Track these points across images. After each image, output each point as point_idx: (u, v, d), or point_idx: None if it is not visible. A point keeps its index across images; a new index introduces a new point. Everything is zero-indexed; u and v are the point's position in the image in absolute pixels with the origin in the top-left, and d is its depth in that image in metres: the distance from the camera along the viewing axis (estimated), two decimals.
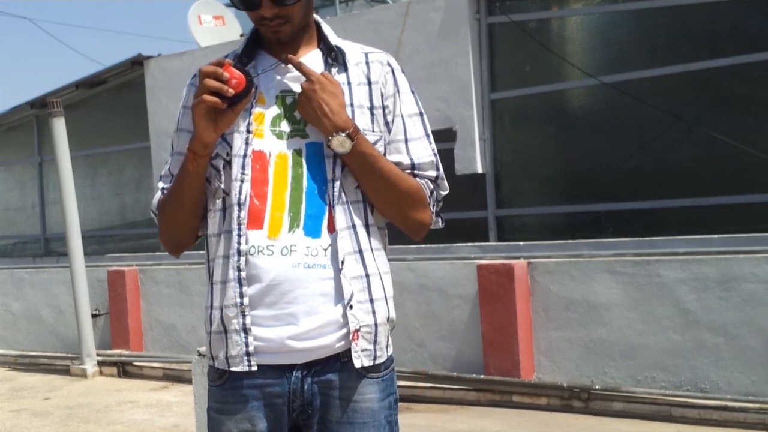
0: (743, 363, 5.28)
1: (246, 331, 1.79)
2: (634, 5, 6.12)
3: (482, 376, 6.05)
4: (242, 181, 1.80)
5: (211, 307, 1.85)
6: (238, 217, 1.79)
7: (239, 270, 1.78)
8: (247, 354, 1.79)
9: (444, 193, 1.95)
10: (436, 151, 1.94)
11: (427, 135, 1.93)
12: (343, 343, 1.80)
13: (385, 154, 1.87)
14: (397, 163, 1.87)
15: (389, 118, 1.88)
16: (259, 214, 1.80)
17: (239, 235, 1.79)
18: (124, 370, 7.94)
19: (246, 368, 1.79)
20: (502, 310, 6.02)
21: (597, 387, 5.58)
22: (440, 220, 1.96)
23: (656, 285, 5.56)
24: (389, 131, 1.88)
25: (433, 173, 1.91)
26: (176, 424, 5.91)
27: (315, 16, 1.93)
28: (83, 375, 7.87)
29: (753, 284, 5.23)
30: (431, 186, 1.91)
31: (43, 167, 9.93)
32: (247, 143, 1.82)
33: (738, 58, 5.67)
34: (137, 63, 8.64)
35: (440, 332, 6.46)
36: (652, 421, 5.30)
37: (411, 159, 1.89)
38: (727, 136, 5.57)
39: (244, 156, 1.81)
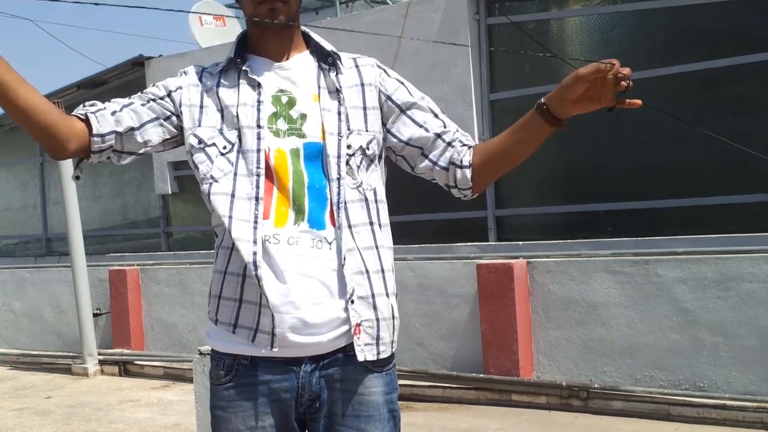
0: (741, 362, 5.29)
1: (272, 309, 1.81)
2: (633, 6, 6.13)
3: (482, 375, 6.07)
4: (258, 175, 1.83)
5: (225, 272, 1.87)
6: (256, 210, 1.82)
7: (254, 255, 1.80)
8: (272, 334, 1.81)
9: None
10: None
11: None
12: (347, 337, 1.84)
13: (381, 152, 1.94)
14: (425, 123, 1.96)
15: (403, 107, 1.96)
16: (267, 205, 1.84)
17: (255, 227, 1.81)
18: (126, 369, 7.96)
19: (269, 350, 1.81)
20: (501, 310, 6.04)
21: (596, 386, 5.61)
22: None
23: (655, 284, 5.58)
24: (401, 114, 1.95)
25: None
26: (177, 422, 5.94)
27: (303, 27, 1.99)
28: (85, 374, 7.90)
29: (751, 284, 5.25)
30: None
31: (44, 167, 9.95)
32: (259, 138, 1.85)
33: (737, 58, 5.67)
34: (138, 64, 8.64)
35: (440, 331, 6.48)
36: (650, 419, 5.33)
37: (442, 121, 1.99)
38: (727, 136, 5.57)
39: (258, 150, 1.84)
